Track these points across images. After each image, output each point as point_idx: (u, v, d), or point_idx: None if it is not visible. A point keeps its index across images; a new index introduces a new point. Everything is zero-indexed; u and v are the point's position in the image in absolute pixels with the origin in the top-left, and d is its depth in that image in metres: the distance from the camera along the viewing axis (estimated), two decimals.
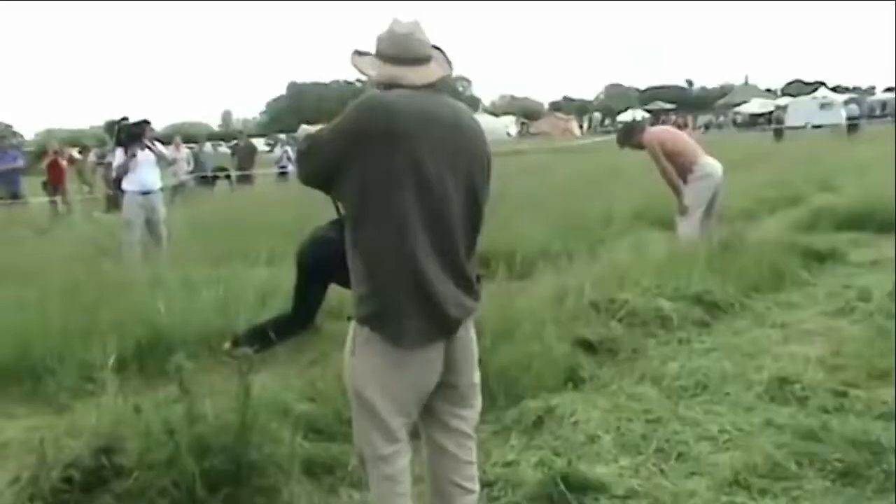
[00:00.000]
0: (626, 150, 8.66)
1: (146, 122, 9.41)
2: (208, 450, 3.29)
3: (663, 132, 8.45)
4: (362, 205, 2.64)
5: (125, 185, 9.21)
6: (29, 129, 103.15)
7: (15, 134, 48.17)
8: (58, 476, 3.32)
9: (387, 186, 2.62)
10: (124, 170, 9.15)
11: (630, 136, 8.43)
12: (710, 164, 7.98)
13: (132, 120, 9.53)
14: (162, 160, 9.54)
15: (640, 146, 8.16)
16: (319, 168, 2.74)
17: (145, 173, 9.23)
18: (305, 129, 3.15)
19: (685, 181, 7.91)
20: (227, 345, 5.27)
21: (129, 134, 9.19)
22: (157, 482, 3.21)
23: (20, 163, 18.12)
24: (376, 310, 2.70)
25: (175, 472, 3.22)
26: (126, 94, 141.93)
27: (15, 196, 17.09)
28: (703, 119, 61.25)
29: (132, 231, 9.09)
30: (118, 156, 9.33)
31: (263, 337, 5.03)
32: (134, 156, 9.09)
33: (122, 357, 5.25)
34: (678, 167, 7.92)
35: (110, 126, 8.69)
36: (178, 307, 6.12)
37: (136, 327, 5.80)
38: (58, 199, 17.17)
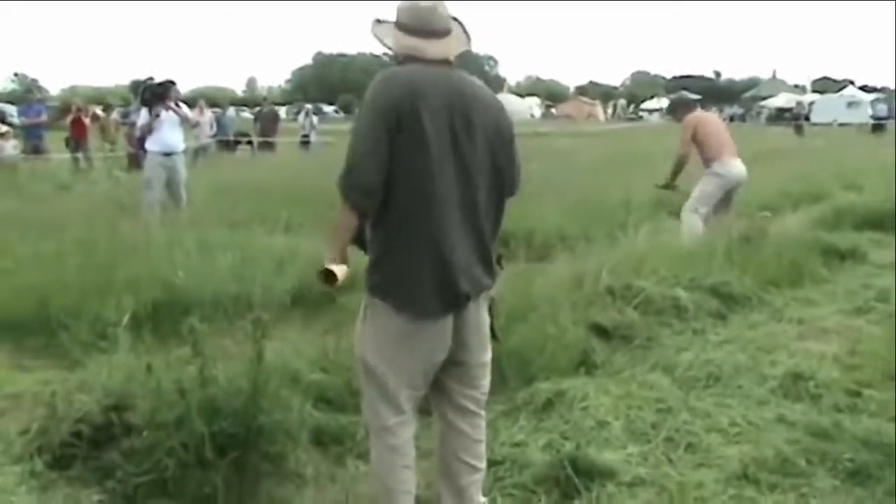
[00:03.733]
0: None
1: (171, 83, 9.39)
2: (218, 412, 3.29)
3: (706, 118, 8.28)
4: (391, 175, 2.62)
5: (148, 144, 9.23)
6: (54, 84, 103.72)
7: (40, 89, 48.48)
8: (67, 430, 3.33)
9: (415, 157, 2.61)
10: (148, 129, 9.16)
11: (677, 108, 8.51)
12: (732, 165, 7.86)
13: (157, 80, 9.53)
14: (185, 122, 9.55)
15: (680, 120, 8.13)
16: (369, 160, 2.62)
17: (168, 134, 9.24)
18: None
19: (707, 172, 7.86)
20: None
21: (154, 94, 9.19)
22: (165, 442, 3.21)
23: (44, 117, 18.17)
24: (388, 277, 2.72)
25: (184, 432, 3.22)
26: (152, 54, 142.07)
27: (38, 151, 17.16)
28: (728, 111, 60.66)
29: (152, 191, 9.11)
30: (142, 115, 9.34)
31: None
32: (158, 116, 9.10)
33: (137, 315, 5.27)
34: (704, 155, 7.86)
35: (135, 85, 8.68)
36: (194, 269, 6.14)
37: (152, 287, 5.83)
38: (80, 155, 17.22)
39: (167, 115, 9.17)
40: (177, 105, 9.35)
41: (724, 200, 7.91)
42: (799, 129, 34.00)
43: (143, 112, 9.32)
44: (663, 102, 66.44)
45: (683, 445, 3.78)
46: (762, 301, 6.34)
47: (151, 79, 9.73)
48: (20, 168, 15.49)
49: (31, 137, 17.61)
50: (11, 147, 17.38)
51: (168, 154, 9.22)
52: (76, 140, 17.82)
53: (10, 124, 20.71)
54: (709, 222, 7.80)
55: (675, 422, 3.99)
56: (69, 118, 18.62)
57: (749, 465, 3.50)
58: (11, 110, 27.28)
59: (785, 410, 4.18)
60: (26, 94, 28.53)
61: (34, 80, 67.01)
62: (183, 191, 9.34)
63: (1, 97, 51.34)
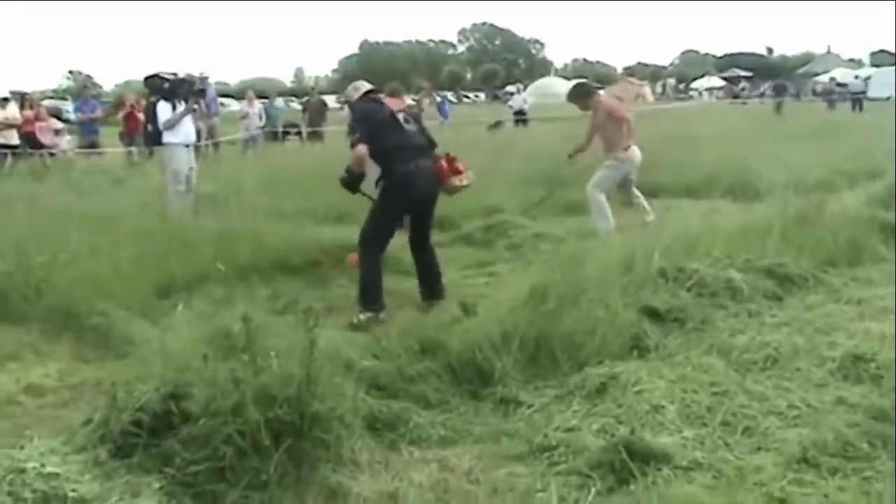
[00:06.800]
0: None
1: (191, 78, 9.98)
2: (273, 400, 3.31)
3: (617, 104, 9.05)
4: None
5: (171, 137, 9.45)
6: (108, 80, 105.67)
7: (95, 84, 49.34)
8: (127, 419, 3.38)
9: None
10: (172, 123, 9.38)
11: (580, 95, 8.94)
12: (634, 151, 8.54)
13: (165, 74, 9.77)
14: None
15: (587, 107, 8.79)
16: None
17: (189, 127, 9.64)
18: None
19: (612, 157, 8.48)
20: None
21: (181, 88, 9.53)
22: (222, 430, 3.24)
23: (99, 113, 18.50)
24: None
25: (240, 420, 3.24)
26: (202, 48, 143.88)
27: (93, 145, 17.49)
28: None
29: (180, 181, 9.38)
30: (164, 109, 9.49)
31: None
32: (194, 110, 9.73)
33: (190, 305, 5.37)
34: (611, 140, 8.47)
35: (152, 80, 8.87)
36: (243, 260, 6.22)
37: (205, 277, 5.93)
38: (133, 149, 17.47)
39: (186, 109, 9.55)
40: (197, 99, 9.88)
41: (625, 180, 8.62)
42: (831, 104, 33.13)
43: (164, 105, 9.49)
44: (713, 81, 65.43)
45: (741, 429, 3.71)
46: (819, 281, 6.20)
47: (175, 74, 9.88)
48: (76, 163, 15.80)
49: (87, 133, 17.95)
50: (66, 142, 17.72)
51: (187, 146, 9.59)
52: (130, 134, 18.08)
53: (66, 120, 21.15)
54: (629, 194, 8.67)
55: (731, 405, 3.92)
56: (122, 112, 18.92)
57: (809, 449, 3.42)
58: (67, 107, 27.88)
59: (845, 393, 4.08)
60: (81, 90, 29.04)
61: (89, 77, 68.28)
62: (194, 178, 9.67)
63: (57, 94, 52.47)
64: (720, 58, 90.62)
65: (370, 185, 6.06)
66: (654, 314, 5.16)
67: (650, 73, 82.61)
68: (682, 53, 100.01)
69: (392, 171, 5.89)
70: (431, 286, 6.16)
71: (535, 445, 3.67)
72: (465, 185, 6.16)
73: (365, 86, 6.38)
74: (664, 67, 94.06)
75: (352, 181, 5.99)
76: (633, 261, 5.73)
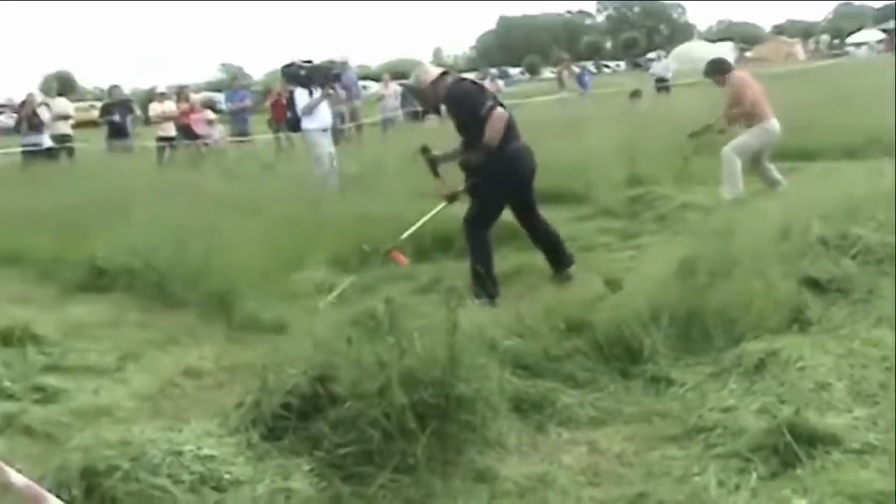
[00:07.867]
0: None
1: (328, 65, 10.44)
2: (417, 383, 3.30)
3: (751, 79, 8.86)
4: None
5: (308, 123, 9.75)
6: (258, 69, 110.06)
7: (244, 75, 51.32)
8: (278, 402, 3.44)
9: None
10: (309, 109, 9.61)
11: (715, 70, 8.88)
12: (775, 124, 8.45)
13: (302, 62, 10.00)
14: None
15: (723, 83, 8.71)
16: None
17: (325, 113, 9.88)
18: None
19: (751, 125, 8.44)
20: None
21: (316, 75, 9.81)
22: (369, 412, 3.25)
23: (248, 102, 19.21)
24: None
25: (386, 403, 3.25)
26: (344, 33, 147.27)
27: (243, 133, 18.18)
28: None
29: (323, 165, 9.63)
30: (301, 96, 9.77)
31: None
32: (329, 95, 10.00)
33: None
34: (749, 114, 8.43)
35: (289, 68, 9.18)
36: (386, 240, 6.28)
37: (350, 259, 6.02)
38: (281, 135, 18.05)
39: (322, 95, 9.79)
40: (333, 86, 10.24)
41: (761, 152, 8.56)
42: None
43: (301, 92, 9.76)
44: (872, 34, 61.52)
45: None
46: None
47: (309, 61, 10.11)
48: (228, 151, 16.48)
49: (238, 122, 18.69)
50: (218, 132, 18.50)
51: (325, 130, 9.85)
52: (277, 121, 18.70)
53: (219, 111, 22.12)
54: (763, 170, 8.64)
55: None
56: (270, 101, 19.58)
57: None
58: (220, 98, 29.13)
59: None
60: (231, 81, 30.32)
61: (239, 68, 71.16)
62: (335, 162, 9.89)
63: (211, 86, 54.94)
64: (878, 9, 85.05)
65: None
66: (814, 285, 4.84)
67: (801, 30, 78.62)
68: (837, 7, 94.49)
69: (500, 151, 5.61)
70: (558, 254, 5.99)
71: (690, 426, 3.50)
72: None
73: (434, 68, 6.28)
74: (817, 23, 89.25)
75: (433, 160, 6.03)
76: (790, 229, 5.41)
